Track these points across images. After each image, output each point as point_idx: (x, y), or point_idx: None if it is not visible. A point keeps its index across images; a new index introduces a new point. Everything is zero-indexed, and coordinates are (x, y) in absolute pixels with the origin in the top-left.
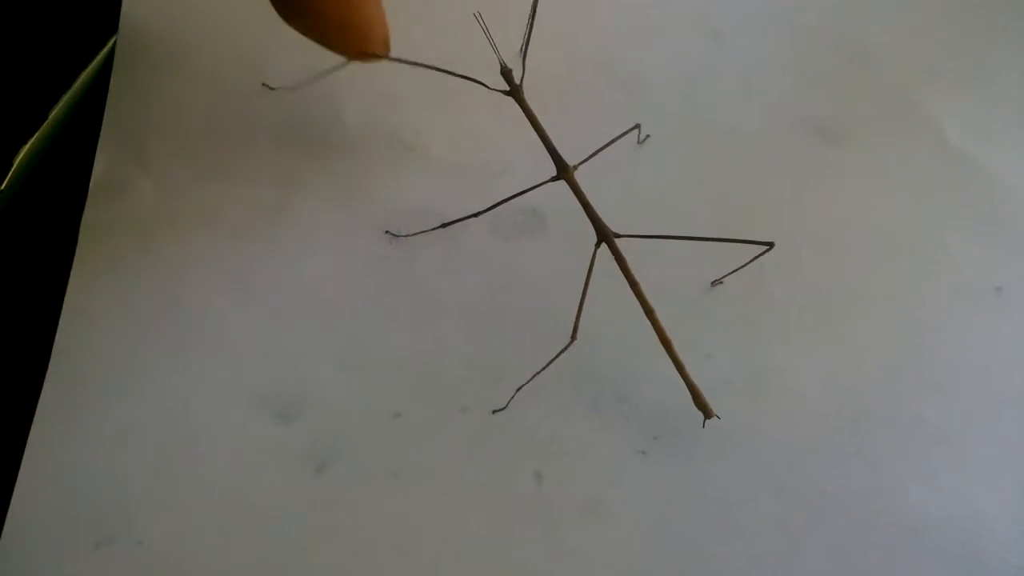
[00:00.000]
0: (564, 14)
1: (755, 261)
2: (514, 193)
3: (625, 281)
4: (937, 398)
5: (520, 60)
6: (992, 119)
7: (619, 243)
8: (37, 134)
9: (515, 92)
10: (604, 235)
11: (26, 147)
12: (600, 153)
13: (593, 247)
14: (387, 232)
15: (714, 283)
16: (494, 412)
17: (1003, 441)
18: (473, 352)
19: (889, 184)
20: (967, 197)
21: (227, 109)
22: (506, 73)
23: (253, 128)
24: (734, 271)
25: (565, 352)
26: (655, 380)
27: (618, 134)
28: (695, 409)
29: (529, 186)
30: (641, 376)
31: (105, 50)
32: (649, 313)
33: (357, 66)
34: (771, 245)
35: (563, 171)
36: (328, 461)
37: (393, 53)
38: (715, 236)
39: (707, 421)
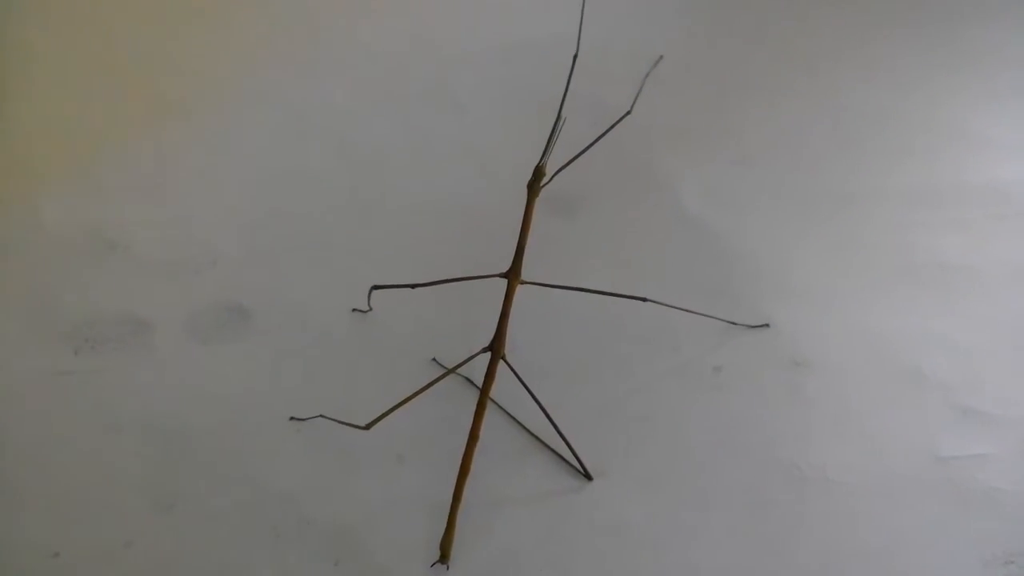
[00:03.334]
0: (296, 93)
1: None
2: (460, 277)
3: None
4: (644, 493)
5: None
6: (732, 183)
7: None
8: None
9: (535, 190)
10: (497, 351)
11: None
12: None
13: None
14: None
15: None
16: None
17: (708, 540)
18: (148, 478)
19: (621, 256)
20: (696, 267)
21: None
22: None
23: None
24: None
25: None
26: (345, 496)
27: None
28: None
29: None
30: (330, 492)
31: None
32: (473, 440)
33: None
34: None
35: (515, 276)
36: None
37: None
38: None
39: (436, 564)
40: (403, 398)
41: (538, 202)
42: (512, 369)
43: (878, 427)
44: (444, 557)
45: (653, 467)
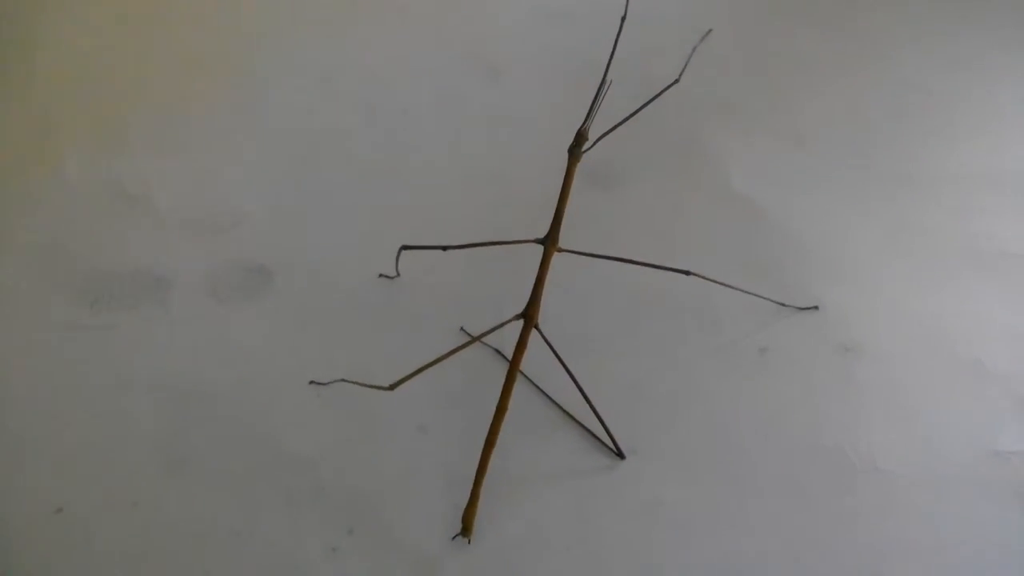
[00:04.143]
0: (327, 53)
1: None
2: (495, 241)
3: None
4: (679, 475)
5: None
6: (782, 159)
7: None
8: None
9: (576, 156)
10: (531, 319)
11: None
12: None
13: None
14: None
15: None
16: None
17: (745, 527)
18: (157, 437)
19: (662, 231)
20: (741, 246)
21: None
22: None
23: None
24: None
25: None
26: (364, 464)
27: None
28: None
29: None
30: (348, 460)
31: None
32: (501, 411)
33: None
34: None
35: (552, 243)
36: None
37: None
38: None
39: (458, 536)
40: (429, 361)
41: (579, 169)
42: (545, 339)
43: (933, 417)
44: (466, 530)
45: (690, 448)
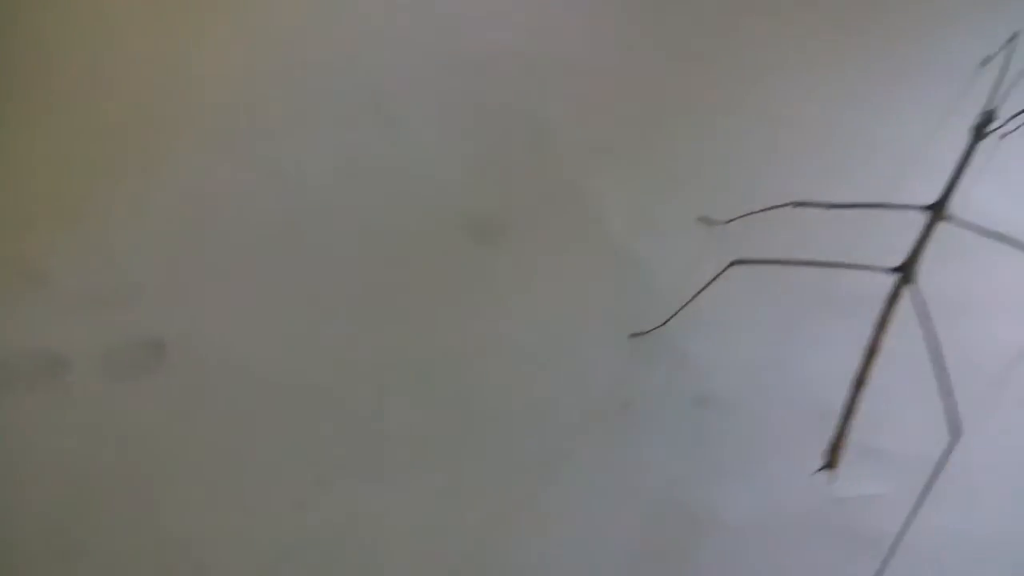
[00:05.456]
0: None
1: None
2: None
3: None
4: (541, 546)
5: None
6: (661, 204)
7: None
8: None
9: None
10: (911, 276)
11: None
12: None
13: None
14: None
15: None
16: None
17: None
18: (52, 523)
19: (539, 286)
20: (615, 299)
21: None
22: None
23: None
24: None
25: None
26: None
27: None
28: None
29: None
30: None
31: None
32: (872, 353)
33: None
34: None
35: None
36: None
37: None
38: None
39: (824, 470)
40: None
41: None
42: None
43: (778, 467)
44: (832, 464)
45: (555, 514)
